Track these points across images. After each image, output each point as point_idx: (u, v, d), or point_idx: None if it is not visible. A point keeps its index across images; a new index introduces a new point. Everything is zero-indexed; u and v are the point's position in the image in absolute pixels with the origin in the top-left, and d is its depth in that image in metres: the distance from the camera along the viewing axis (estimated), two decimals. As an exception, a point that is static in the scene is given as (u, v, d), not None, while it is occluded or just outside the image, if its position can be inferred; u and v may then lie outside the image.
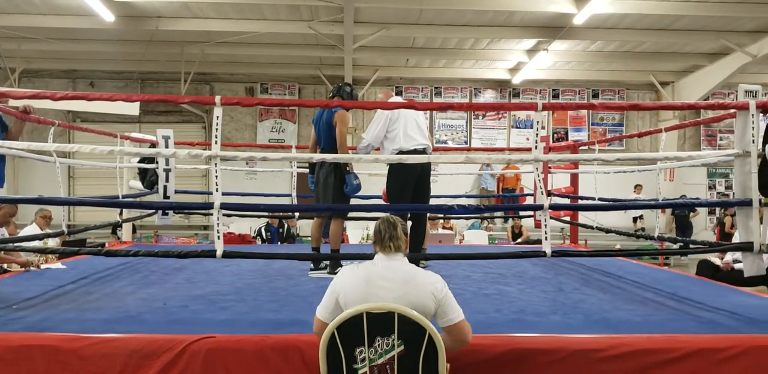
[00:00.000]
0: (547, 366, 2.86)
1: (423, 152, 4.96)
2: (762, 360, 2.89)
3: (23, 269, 5.10)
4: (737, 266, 6.53)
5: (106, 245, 8.26)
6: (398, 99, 5.33)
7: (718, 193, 14.64)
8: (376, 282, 2.53)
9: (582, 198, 6.90)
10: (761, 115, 3.71)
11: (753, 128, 3.66)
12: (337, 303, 2.57)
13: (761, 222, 3.67)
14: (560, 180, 7.79)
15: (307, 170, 5.25)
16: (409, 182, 4.93)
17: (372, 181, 7.53)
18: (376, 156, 4.86)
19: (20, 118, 4.30)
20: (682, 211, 13.46)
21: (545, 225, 3.84)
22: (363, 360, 2.35)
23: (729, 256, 6.88)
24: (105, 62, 13.14)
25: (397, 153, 4.88)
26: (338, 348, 2.35)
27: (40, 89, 12.30)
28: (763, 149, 3.61)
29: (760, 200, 3.64)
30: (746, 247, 3.68)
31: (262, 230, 11.08)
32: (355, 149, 5.39)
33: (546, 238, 3.82)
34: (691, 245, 5.19)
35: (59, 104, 9.78)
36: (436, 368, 2.35)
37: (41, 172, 12.13)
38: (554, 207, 4.16)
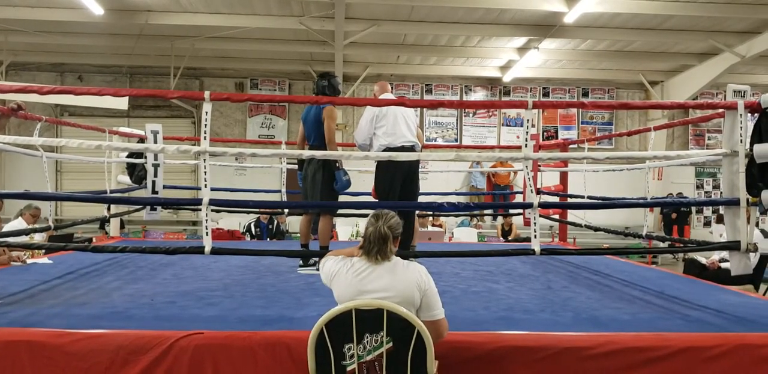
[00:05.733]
0: (535, 364, 2.87)
1: (411, 149, 4.95)
2: (748, 358, 2.92)
3: (9, 263, 5.05)
4: (724, 265, 6.59)
5: (94, 240, 8.21)
6: (389, 96, 5.31)
7: (705, 192, 14.76)
8: (363, 275, 2.55)
9: (571, 196, 6.93)
10: (749, 115, 3.73)
11: (741, 127, 3.69)
12: (329, 281, 2.67)
13: (748, 222, 3.70)
14: (549, 178, 7.82)
15: (297, 166, 5.23)
16: (396, 179, 4.91)
17: (362, 178, 7.50)
18: (366, 153, 4.84)
19: (8, 114, 4.24)
20: (670, 210, 13.58)
21: (535, 223, 3.85)
22: (351, 356, 2.35)
23: (716, 255, 6.94)
24: (94, 56, 13.02)
25: (385, 150, 4.86)
26: (327, 344, 2.34)
27: (27, 83, 12.17)
28: (751, 149, 3.63)
29: (747, 200, 3.66)
30: (733, 246, 3.71)
31: (252, 226, 11.04)
32: (344, 145, 5.37)
33: (535, 236, 3.83)
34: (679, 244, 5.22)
35: (47, 98, 9.63)
36: (424, 365, 2.35)
37: (28, 166, 12.04)
38: (544, 205, 4.17)
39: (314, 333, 2.35)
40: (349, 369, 2.35)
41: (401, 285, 2.51)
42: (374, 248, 2.58)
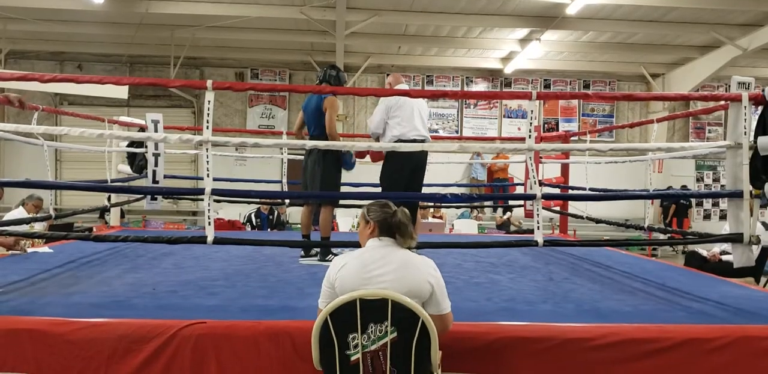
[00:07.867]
0: (537, 355, 2.87)
1: (422, 142, 4.93)
2: (749, 350, 2.92)
3: (9, 252, 5.04)
4: (725, 257, 6.60)
5: (94, 229, 8.20)
6: (404, 86, 5.28)
7: (706, 185, 14.77)
8: (372, 267, 2.52)
9: (572, 188, 6.92)
10: (753, 107, 3.72)
11: (745, 119, 3.67)
12: (333, 292, 2.54)
13: (751, 214, 3.69)
14: (550, 170, 7.80)
15: (297, 157, 5.21)
16: (402, 171, 4.90)
17: (365, 169, 7.50)
18: (370, 144, 4.82)
19: (3, 103, 4.21)
20: (669, 203, 13.59)
21: (537, 215, 3.84)
22: (356, 346, 2.34)
23: (716, 248, 6.95)
24: (93, 45, 12.95)
25: (396, 141, 4.85)
26: (331, 334, 2.34)
27: (26, 71, 12.13)
28: (755, 141, 3.62)
29: (750, 192, 3.66)
30: (736, 238, 3.71)
31: (252, 216, 11.04)
32: (345, 136, 5.35)
33: (538, 227, 3.82)
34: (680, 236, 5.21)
35: (47, 87, 9.65)
36: (428, 355, 2.35)
37: (28, 155, 12.01)
38: (546, 197, 4.16)
39: (318, 322, 2.35)
40: (353, 358, 2.35)
41: (412, 279, 2.49)
42: (406, 229, 2.62)
